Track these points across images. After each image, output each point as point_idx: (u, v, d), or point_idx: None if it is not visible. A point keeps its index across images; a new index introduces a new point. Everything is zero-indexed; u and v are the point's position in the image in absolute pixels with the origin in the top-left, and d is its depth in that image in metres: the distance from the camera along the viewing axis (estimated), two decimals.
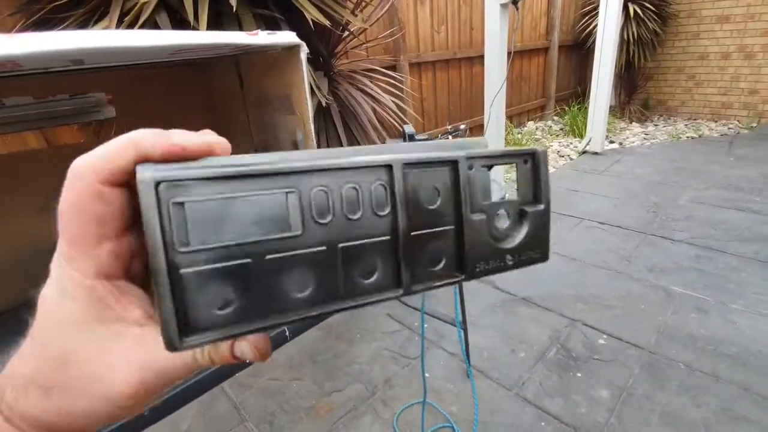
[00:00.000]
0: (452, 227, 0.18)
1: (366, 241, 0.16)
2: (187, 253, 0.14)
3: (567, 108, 4.81)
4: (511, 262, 0.20)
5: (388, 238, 0.16)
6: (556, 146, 4.16)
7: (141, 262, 0.19)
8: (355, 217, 0.16)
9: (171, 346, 0.14)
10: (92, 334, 0.17)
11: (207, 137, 0.17)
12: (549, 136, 4.58)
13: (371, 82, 2.07)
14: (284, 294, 0.15)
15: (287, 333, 0.66)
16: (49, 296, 0.18)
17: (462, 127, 1.18)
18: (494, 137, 2.51)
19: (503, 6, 2.25)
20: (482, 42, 2.49)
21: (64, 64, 0.49)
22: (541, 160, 0.20)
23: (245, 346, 0.18)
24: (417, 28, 3.26)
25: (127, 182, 0.16)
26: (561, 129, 4.76)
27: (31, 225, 0.79)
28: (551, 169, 3.55)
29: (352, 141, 1.97)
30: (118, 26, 1.27)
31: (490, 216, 0.19)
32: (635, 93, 5.16)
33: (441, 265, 0.18)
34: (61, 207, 0.17)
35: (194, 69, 0.86)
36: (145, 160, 0.15)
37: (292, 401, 1.36)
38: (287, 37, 0.56)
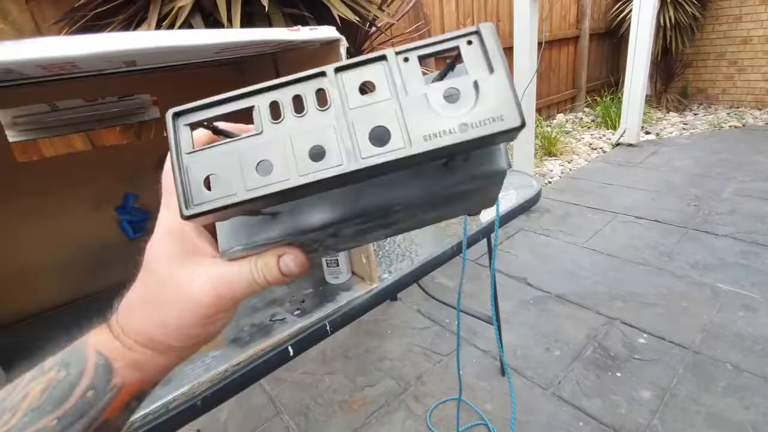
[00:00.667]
0: (392, 107, 0.19)
1: (313, 131, 0.19)
2: (189, 154, 0.20)
3: (599, 99, 4.64)
4: (465, 132, 0.19)
5: (332, 125, 0.19)
6: (588, 138, 4.02)
7: None
8: (301, 114, 0.19)
9: (182, 213, 0.19)
10: (182, 262, 0.23)
11: None
12: (580, 128, 4.44)
13: None
14: (256, 177, 0.19)
15: (328, 328, 0.67)
16: (155, 236, 0.23)
17: None
18: (523, 132, 2.45)
19: None
20: (509, 34, 2.43)
21: (117, 65, 0.51)
22: (487, 34, 0.19)
23: (288, 259, 0.23)
24: (443, 22, 3.22)
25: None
26: (592, 121, 4.60)
27: (77, 225, 0.83)
28: (583, 162, 3.44)
29: None
30: (156, 30, 1.31)
31: (433, 94, 0.19)
32: (672, 81, 4.91)
33: (389, 144, 0.19)
34: (165, 167, 0.24)
35: (233, 67, 0.88)
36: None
37: (325, 395, 1.38)
38: (327, 32, 0.56)
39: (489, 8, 3.58)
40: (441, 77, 0.20)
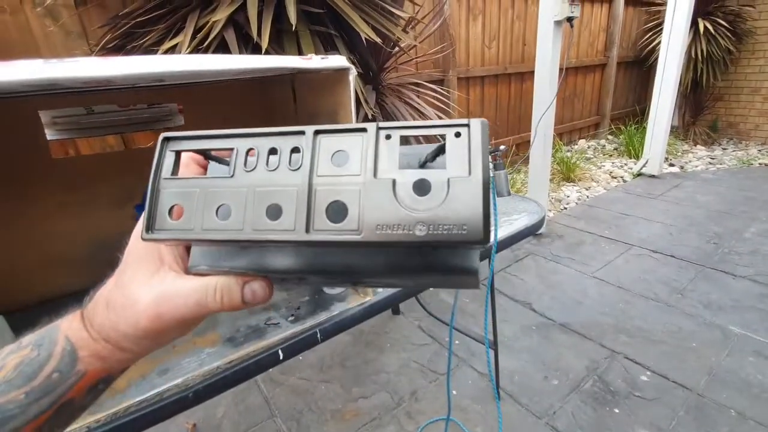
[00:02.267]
0: (356, 187, 0.19)
1: (276, 188, 0.20)
2: (166, 179, 0.21)
3: (623, 127, 4.58)
4: (422, 233, 0.18)
5: (295, 188, 0.20)
6: (609, 166, 3.97)
7: None
8: (272, 168, 0.20)
9: (142, 236, 0.21)
10: (142, 271, 0.23)
11: None
12: (602, 155, 4.38)
13: (418, 96, 2.11)
14: (214, 219, 0.20)
15: (319, 336, 0.70)
16: (133, 235, 0.25)
17: (502, 147, 1.18)
18: (540, 154, 2.46)
19: (557, 23, 2.22)
20: (535, 58, 2.45)
21: (148, 82, 0.57)
22: (475, 131, 0.18)
23: (256, 287, 0.23)
24: (468, 43, 3.28)
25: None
26: (615, 149, 4.54)
27: (105, 220, 0.89)
28: (601, 191, 3.40)
29: None
30: (191, 41, 1.40)
31: (401, 182, 0.19)
32: (701, 114, 4.81)
33: (343, 222, 0.19)
34: None
35: (255, 82, 0.94)
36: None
37: (319, 402, 1.41)
38: (338, 61, 0.61)
39: (515, 32, 3.62)
40: (433, 158, 0.21)
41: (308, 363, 1.58)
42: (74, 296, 0.90)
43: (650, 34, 4.65)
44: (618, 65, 4.75)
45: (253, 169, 0.21)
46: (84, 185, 0.87)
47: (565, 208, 3.08)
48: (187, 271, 0.24)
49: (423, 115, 2.09)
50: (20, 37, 1.66)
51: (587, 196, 3.30)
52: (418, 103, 2.08)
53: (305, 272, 0.23)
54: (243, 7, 1.43)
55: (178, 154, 0.22)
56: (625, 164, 4.03)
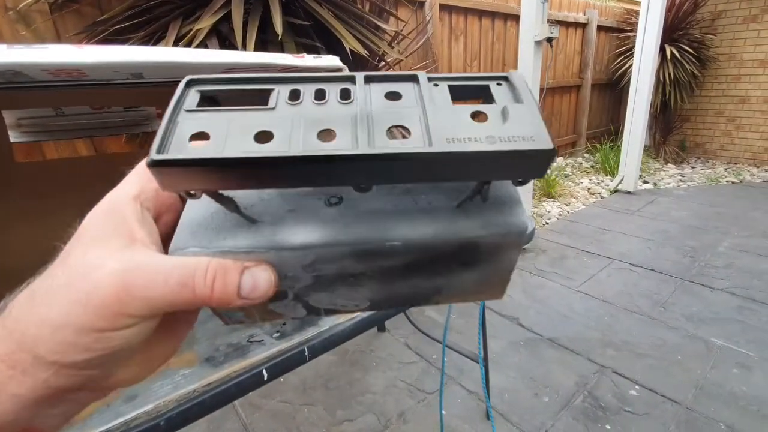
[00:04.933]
0: (416, 112, 0.18)
1: (329, 117, 0.18)
2: (188, 111, 0.18)
3: (599, 146, 4.74)
4: (492, 143, 0.17)
5: (350, 116, 0.18)
6: (587, 183, 4.07)
7: (169, 218, 0.22)
8: (321, 102, 0.18)
9: (150, 158, 0.16)
10: (101, 242, 0.18)
11: None
12: (579, 172, 4.50)
13: None
14: (251, 143, 0.17)
15: (306, 353, 0.65)
16: (87, 215, 0.19)
17: None
18: None
19: (537, 43, 2.28)
20: None
21: (124, 76, 0.52)
22: (517, 79, 0.19)
23: (259, 273, 0.19)
24: (450, 62, 3.34)
25: None
26: (592, 166, 4.67)
27: (63, 230, 0.82)
28: (581, 206, 3.46)
29: None
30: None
31: (460, 112, 0.18)
32: (671, 134, 5.04)
33: (407, 141, 0.17)
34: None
35: None
36: None
37: (302, 427, 1.33)
38: (330, 60, 0.58)
39: (495, 53, 3.72)
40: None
41: (290, 385, 1.50)
42: None
43: (621, 58, 4.89)
44: (592, 87, 4.95)
45: (299, 102, 0.18)
46: (50, 193, 0.80)
47: (547, 223, 3.12)
48: (169, 253, 0.19)
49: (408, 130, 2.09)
50: None
51: (567, 212, 3.36)
52: None
53: (328, 246, 0.20)
54: (227, 17, 1.40)
55: (203, 94, 0.19)
56: (602, 181, 4.14)
